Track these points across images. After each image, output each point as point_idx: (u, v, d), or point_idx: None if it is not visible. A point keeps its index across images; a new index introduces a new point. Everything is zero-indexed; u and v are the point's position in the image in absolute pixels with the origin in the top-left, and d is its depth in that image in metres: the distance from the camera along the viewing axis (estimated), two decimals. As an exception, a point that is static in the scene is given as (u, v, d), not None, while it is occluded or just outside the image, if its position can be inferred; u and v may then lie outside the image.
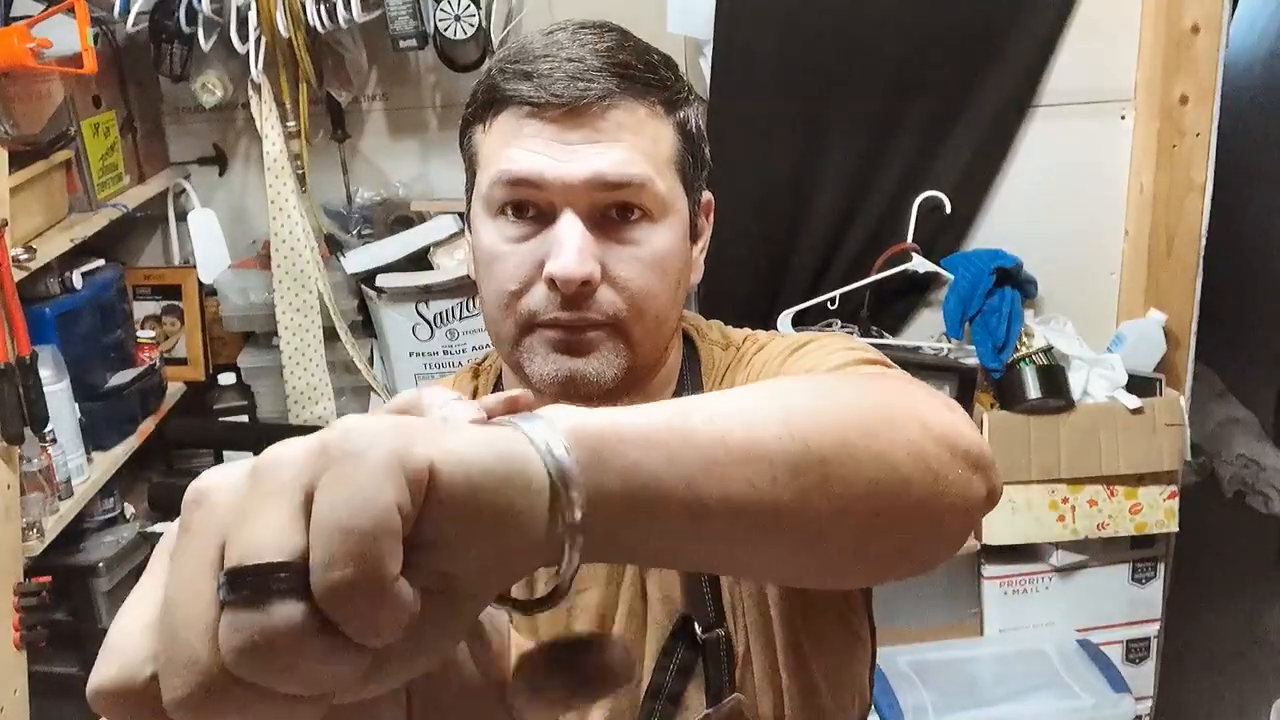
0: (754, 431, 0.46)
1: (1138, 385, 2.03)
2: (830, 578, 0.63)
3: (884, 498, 0.52)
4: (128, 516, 2.06)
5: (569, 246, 0.80)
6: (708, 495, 0.43)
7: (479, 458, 0.35)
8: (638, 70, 0.82)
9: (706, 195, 0.93)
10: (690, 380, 0.94)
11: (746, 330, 0.99)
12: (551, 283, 0.81)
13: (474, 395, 0.97)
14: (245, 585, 0.32)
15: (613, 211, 0.82)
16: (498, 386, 0.96)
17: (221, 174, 2.23)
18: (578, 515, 0.37)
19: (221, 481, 0.35)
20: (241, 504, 0.34)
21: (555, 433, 0.38)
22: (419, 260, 2.09)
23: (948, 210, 2.04)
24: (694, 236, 0.90)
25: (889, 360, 0.82)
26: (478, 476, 0.35)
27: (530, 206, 0.83)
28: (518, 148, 0.81)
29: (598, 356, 0.83)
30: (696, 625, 0.87)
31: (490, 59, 1.29)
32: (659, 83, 0.84)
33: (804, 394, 0.54)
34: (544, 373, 0.83)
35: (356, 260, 2.09)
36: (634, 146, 0.81)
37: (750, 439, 0.46)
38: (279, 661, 0.32)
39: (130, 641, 0.35)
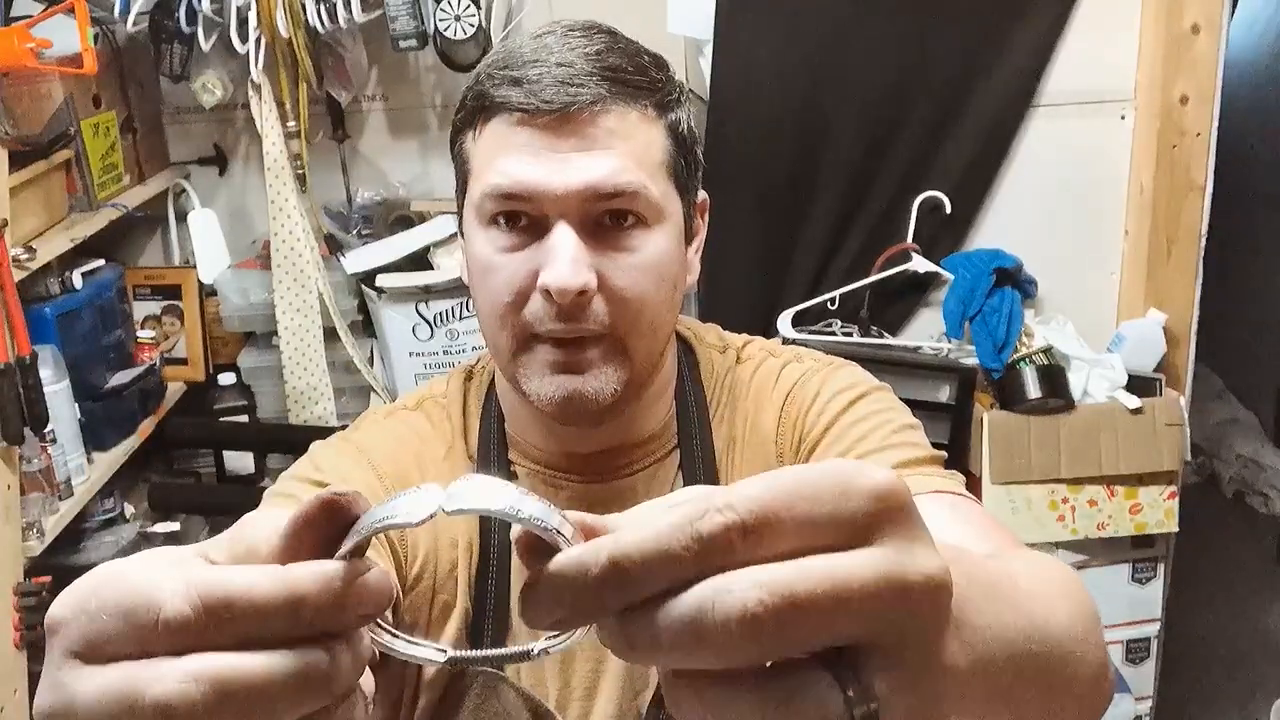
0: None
1: (1138, 385, 2.02)
2: None
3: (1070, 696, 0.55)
4: (128, 516, 2.06)
5: (563, 257, 0.79)
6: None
7: None
8: (628, 73, 0.81)
9: (702, 195, 0.92)
10: (690, 384, 0.93)
11: (746, 336, 0.99)
12: (547, 293, 0.80)
13: (465, 399, 0.95)
14: None
15: (606, 218, 0.81)
16: (490, 391, 0.95)
17: (221, 174, 2.23)
18: None
19: None
20: None
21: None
22: (419, 260, 2.09)
23: (948, 210, 2.04)
24: (689, 237, 0.89)
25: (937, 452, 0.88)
26: None
27: (523, 216, 0.82)
28: (508, 157, 0.80)
29: (596, 374, 0.82)
30: None
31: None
32: (650, 85, 0.83)
33: (1060, 600, 0.56)
34: (543, 394, 0.83)
35: (356, 260, 2.09)
36: (626, 153, 0.80)
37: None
38: None
39: None
